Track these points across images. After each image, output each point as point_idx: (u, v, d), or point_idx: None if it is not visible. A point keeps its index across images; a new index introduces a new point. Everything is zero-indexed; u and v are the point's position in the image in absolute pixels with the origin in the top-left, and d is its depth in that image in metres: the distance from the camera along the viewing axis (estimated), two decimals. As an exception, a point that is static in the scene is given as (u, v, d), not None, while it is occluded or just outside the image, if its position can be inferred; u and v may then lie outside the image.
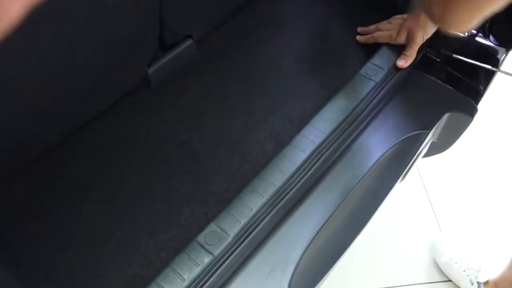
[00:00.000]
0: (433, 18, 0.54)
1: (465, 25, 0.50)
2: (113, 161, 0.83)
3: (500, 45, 0.97)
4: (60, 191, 0.79)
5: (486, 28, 0.99)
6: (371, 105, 0.86)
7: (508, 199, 1.39)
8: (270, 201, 0.73)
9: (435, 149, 1.03)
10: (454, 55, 0.98)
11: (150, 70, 0.91)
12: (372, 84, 0.87)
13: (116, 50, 0.82)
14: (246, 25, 1.04)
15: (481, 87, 0.97)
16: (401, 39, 0.90)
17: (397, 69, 0.90)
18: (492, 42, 0.99)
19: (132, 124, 0.88)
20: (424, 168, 1.45)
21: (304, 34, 1.03)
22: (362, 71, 0.89)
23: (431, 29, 0.89)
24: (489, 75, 0.97)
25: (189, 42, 0.96)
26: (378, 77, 0.88)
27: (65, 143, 0.84)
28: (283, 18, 1.05)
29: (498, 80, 0.97)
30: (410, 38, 0.89)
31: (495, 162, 1.48)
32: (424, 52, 0.99)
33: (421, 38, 0.88)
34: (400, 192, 1.37)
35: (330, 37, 1.02)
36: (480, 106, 0.96)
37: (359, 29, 1.00)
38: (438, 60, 0.99)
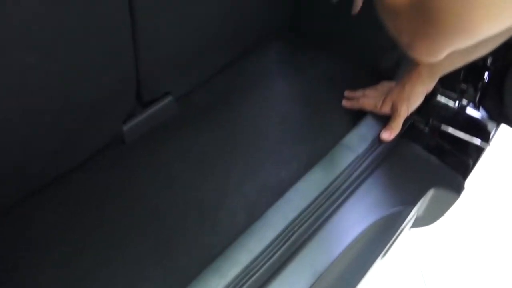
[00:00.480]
0: (403, 45, 0.51)
1: (433, 55, 0.48)
2: (77, 221, 0.79)
3: (490, 118, 0.94)
4: (20, 252, 0.75)
5: (476, 99, 0.96)
6: (351, 178, 0.82)
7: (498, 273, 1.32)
8: (234, 283, 0.68)
9: (420, 223, 0.98)
10: (443, 126, 0.95)
11: (125, 127, 0.88)
12: (354, 156, 0.84)
13: (89, 108, 0.79)
14: (231, 83, 1.01)
15: (470, 161, 0.93)
16: (385, 110, 0.87)
17: (381, 140, 0.87)
18: (482, 114, 0.95)
19: (102, 182, 0.84)
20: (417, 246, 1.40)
21: (289, 95, 1.00)
22: (344, 141, 0.86)
23: (416, 102, 0.85)
24: (479, 149, 0.93)
25: (169, 99, 0.93)
26: (360, 149, 0.85)
27: (28, 199, 0.80)
28: (269, 77, 1.03)
29: (487, 155, 0.93)
30: (394, 110, 0.86)
31: (486, 238, 1.42)
32: (412, 121, 0.95)
33: (405, 110, 0.85)
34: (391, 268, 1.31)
35: (316, 100, 0.99)
36: (468, 181, 0.91)
37: (346, 93, 0.97)
38: (427, 129, 0.96)
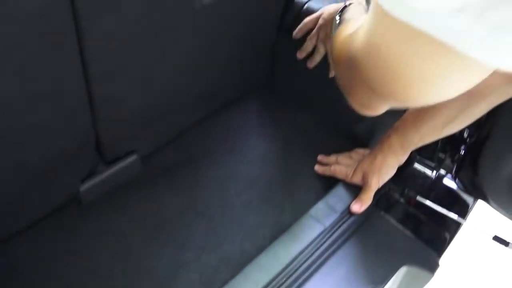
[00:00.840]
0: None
1: (369, 111, 0.44)
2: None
3: (465, 192, 0.90)
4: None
5: (453, 171, 0.93)
6: (317, 253, 0.77)
7: None
8: None
9: (393, 300, 0.92)
10: (419, 197, 0.91)
11: (82, 188, 0.84)
12: (320, 229, 0.79)
13: (43, 168, 0.75)
14: (201, 141, 0.98)
15: (447, 236, 0.88)
16: (356, 180, 0.83)
17: (351, 212, 0.82)
18: (458, 187, 0.91)
19: (51, 247, 0.79)
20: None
21: (260, 157, 0.96)
22: (312, 211, 0.81)
23: (387, 173, 0.82)
24: (456, 225, 0.88)
25: (133, 157, 0.89)
26: (328, 221, 0.80)
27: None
28: (241, 137, 0.99)
29: (464, 231, 0.89)
30: (365, 182, 0.82)
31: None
32: (387, 189, 0.91)
33: (376, 182, 0.81)
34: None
35: (287, 163, 0.95)
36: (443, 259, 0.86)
37: (319, 157, 0.94)
38: (402, 199, 0.92)
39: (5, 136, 0.64)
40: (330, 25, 0.80)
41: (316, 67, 0.98)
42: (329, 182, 0.89)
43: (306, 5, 0.95)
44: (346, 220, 0.82)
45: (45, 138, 0.71)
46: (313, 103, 1.05)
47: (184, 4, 0.71)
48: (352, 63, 0.39)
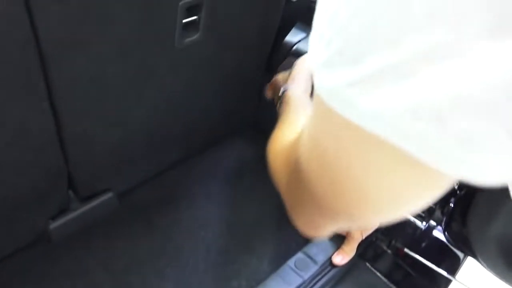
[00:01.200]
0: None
1: (313, 230, 0.37)
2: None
3: (453, 246, 0.85)
4: None
5: (443, 223, 0.88)
6: (294, 308, 0.72)
7: None
8: None
9: None
10: (406, 250, 0.86)
11: (52, 225, 0.80)
12: (299, 281, 0.74)
13: (9, 205, 0.71)
14: (181, 181, 0.94)
15: (434, 294, 0.83)
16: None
17: (332, 265, 0.77)
18: (448, 241, 0.87)
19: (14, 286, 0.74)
20: None
21: (240, 201, 0.92)
22: (291, 262, 0.77)
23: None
24: (445, 281, 0.83)
25: (108, 195, 0.85)
26: (308, 273, 0.76)
27: None
28: (221, 179, 0.96)
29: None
30: (348, 232, 0.77)
31: None
32: (374, 239, 0.87)
33: (359, 233, 0.77)
34: None
35: (268, 209, 0.91)
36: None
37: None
38: (389, 251, 0.87)
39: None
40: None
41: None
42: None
43: (295, 46, 0.94)
44: (327, 272, 0.77)
45: (13, 175, 0.68)
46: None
47: (164, 43, 0.69)
48: (295, 172, 0.32)
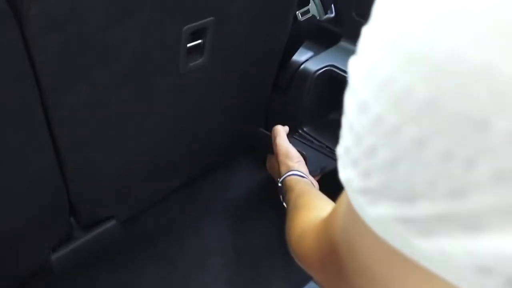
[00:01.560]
0: None
1: None
2: None
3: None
4: None
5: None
6: None
7: None
8: None
9: None
10: None
11: (54, 256, 0.77)
12: (311, 314, 0.71)
13: (10, 235, 0.69)
14: (184, 208, 0.91)
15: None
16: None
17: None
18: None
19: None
20: None
21: (248, 227, 0.89)
22: (302, 293, 0.73)
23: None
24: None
25: (111, 223, 0.83)
26: (320, 305, 0.72)
27: None
28: (228, 204, 0.93)
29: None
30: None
31: None
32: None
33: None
34: None
35: (279, 232, 0.88)
36: None
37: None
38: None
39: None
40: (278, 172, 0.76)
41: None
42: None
43: (302, 66, 0.91)
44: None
45: (14, 208, 0.65)
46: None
47: (168, 68, 0.67)
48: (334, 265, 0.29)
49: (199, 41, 0.69)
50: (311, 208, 0.48)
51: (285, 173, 0.70)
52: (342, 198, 0.28)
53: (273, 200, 0.95)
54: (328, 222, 0.31)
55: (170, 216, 0.89)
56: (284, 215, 0.89)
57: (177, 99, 0.74)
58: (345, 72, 0.88)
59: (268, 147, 0.83)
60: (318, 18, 0.92)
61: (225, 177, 0.98)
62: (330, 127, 0.94)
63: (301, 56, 0.94)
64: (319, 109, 0.97)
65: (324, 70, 0.89)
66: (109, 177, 0.74)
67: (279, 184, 0.71)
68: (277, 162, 0.76)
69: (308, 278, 0.76)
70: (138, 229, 0.86)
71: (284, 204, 0.68)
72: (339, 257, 0.28)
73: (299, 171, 0.70)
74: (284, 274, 0.80)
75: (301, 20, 0.86)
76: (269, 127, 1.02)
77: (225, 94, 0.84)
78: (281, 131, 0.81)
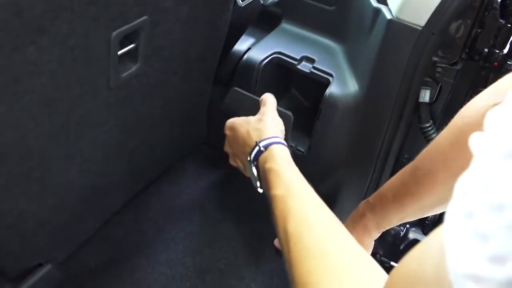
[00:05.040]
0: None
1: None
2: None
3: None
4: None
5: (424, 227, 0.84)
6: None
7: None
8: None
9: None
10: (383, 258, 0.81)
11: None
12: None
13: None
14: (127, 233, 0.80)
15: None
16: None
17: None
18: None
19: None
20: None
21: (208, 236, 0.80)
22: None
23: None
24: None
25: (45, 268, 0.69)
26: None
27: None
28: (176, 221, 0.83)
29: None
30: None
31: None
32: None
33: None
34: None
35: (242, 238, 0.81)
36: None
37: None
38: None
39: None
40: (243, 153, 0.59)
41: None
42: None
43: (245, 56, 0.81)
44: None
45: None
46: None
47: (97, 83, 0.54)
48: None
49: (132, 45, 0.56)
50: (343, 269, 0.37)
51: (268, 139, 0.55)
52: None
53: (229, 196, 0.87)
54: None
55: (114, 244, 0.77)
56: (245, 226, 0.83)
57: (110, 117, 0.61)
58: (291, 58, 0.79)
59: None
60: (262, 2, 0.82)
61: (170, 186, 0.87)
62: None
63: (242, 44, 0.84)
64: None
65: (270, 59, 0.80)
66: (37, 221, 0.61)
67: (257, 150, 0.55)
68: (259, 124, 0.59)
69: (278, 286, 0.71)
70: (80, 266, 0.73)
71: (258, 186, 0.55)
72: None
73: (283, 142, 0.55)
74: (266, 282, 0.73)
75: (241, 5, 0.75)
76: (213, 126, 0.92)
77: (164, 100, 0.72)
78: (271, 99, 0.64)
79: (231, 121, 0.63)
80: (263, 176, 0.53)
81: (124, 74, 0.57)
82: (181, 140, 0.87)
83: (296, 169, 0.52)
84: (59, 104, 0.50)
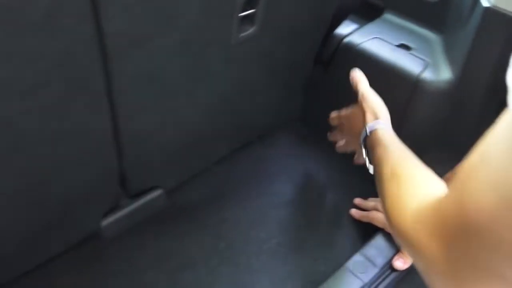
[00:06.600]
0: None
1: None
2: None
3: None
4: None
5: None
6: (353, 313, 0.70)
7: None
8: None
9: None
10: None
11: (104, 223, 0.79)
12: (359, 284, 0.71)
13: (63, 202, 0.70)
14: (228, 177, 0.92)
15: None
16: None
17: (393, 268, 0.74)
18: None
19: (66, 284, 0.74)
20: None
21: (291, 198, 0.90)
22: (348, 264, 0.74)
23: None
24: None
25: (157, 192, 0.84)
26: (367, 276, 0.73)
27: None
28: (271, 176, 0.93)
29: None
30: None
31: None
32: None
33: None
34: None
35: (320, 206, 0.89)
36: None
37: (356, 201, 0.87)
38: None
39: (31, 171, 0.61)
40: (356, 135, 0.71)
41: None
42: (367, 230, 0.81)
43: (346, 39, 0.90)
44: (388, 275, 0.74)
45: (68, 173, 0.67)
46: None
47: (221, 38, 0.67)
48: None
49: (252, 10, 0.68)
50: (418, 182, 0.45)
51: (372, 125, 0.65)
52: (475, 182, 0.28)
53: (315, 173, 0.95)
54: (461, 204, 0.29)
55: (211, 187, 0.90)
56: (328, 190, 0.91)
57: (226, 71, 0.74)
58: (388, 43, 0.87)
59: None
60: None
61: (263, 151, 0.98)
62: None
63: (343, 29, 0.93)
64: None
65: (369, 43, 0.88)
66: (159, 146, 0.75)
67: (365, 136, 0.66)
68: (362, 111, 0.69)
69: (353, 251, 0.77)
70: (182, 199, 0.87)
71: (367, 161, 0.65)
72: (471, 239, 0.28)
73: (385, 124, 0.65)
74: (330, 246, 0.81)
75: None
76: (309, 104, 1.02)
77: (270, 67, 0.84)
78: (362, 77, 0.74)
79: (337, 113, 0.80)
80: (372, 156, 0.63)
81: (242, 34, 0.70)
82: (276, 111, 0.98)
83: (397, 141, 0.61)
84: (192, 46, 0.64)
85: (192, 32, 0.61)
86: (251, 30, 0.71)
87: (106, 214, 0.79)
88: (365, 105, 0.70)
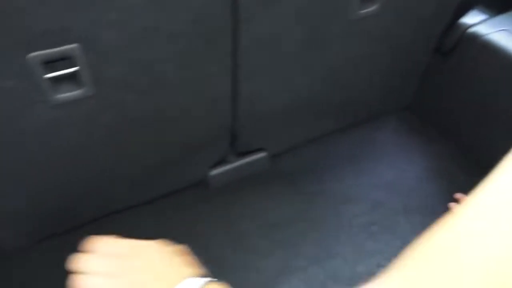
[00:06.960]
0: None
1: None
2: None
3: None
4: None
5: None
6: None
7: None
8: None
9: None
10: None
11: (212, 173, 0.88)
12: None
13: (180, 149, 0.80)
14: (327, 154, 0.96)
15: None
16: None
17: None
18: None
19: (172, 224, 0.84)
20: None
21: (390, 181, 0.90)
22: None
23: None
24: None
25: (262, 154, 0.91)
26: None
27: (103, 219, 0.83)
28: (371, 158, 0.95)
29: None
30: None
31: None
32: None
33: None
34: None
35: (418, 193, 0.88)
36: None
37: (457, 195, 0.84)
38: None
39: (157, 114, 0.70)
40: None
41: (471, 98, 0.90)
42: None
43: (471, 29, 0.87)
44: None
45: (188, 123, 0.76)
46: (456, 133, 0.96)
47: (339, 13, 0.70)
48: None
49: (376, -12, 0.71)
50: None
51: None
52: None
53: (417, 162, 0.94)
54: None
55: (313, 159, 0.94)
56: (427, 179, 0.89)
57: (341, 46, 0.77)
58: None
59: None
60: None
61: (371, 131, 0.99)
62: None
63: (470, 19, 0.90)
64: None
65: (497, 34, 0.84)
66: (271, 111, 0.82)
67: None
68: None
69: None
70: (284, 164, 0.93)
71: None
72: None
73: None
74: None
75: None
76: (421, 93, 1.01)
77: (386, 49, 0.85)
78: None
79: None
80: None
81: (362, 11, 0.72)
82: (388, 94, 0.98)
83: None
84: (310, 18, 0.68)
85: (310, 2, 0.65)
86: (371, 8, 0.73)
87: (214, 166, 0.89)
88: None
